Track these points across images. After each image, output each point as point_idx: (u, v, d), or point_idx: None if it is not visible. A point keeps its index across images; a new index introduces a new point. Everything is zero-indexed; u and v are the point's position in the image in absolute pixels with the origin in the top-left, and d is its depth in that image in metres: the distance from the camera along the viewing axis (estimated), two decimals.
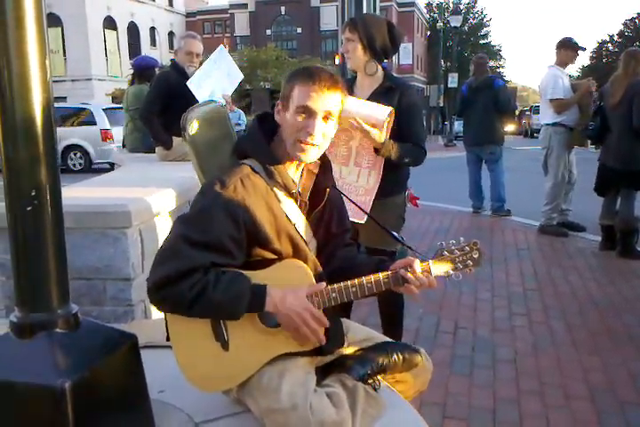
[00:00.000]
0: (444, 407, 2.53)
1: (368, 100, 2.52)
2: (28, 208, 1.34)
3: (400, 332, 2.83)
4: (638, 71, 4.83)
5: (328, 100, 1.54)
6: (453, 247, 1.62)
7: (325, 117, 1.55)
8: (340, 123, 2.26)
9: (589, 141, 5.63)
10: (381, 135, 2.43)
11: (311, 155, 1.58)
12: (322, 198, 1.66)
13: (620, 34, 48.85)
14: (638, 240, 5.04)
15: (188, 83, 3.69)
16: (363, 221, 2.43)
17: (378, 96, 2.53)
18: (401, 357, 1.72)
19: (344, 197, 1.87)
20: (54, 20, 33.92)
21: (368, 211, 2.44)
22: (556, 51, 5.70)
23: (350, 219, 2.33)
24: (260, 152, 1.60)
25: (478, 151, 6.83)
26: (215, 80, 3.94)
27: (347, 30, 2.54)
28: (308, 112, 1.54)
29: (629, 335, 3.32)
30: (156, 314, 2.61)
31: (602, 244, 5.23)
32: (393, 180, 2.65)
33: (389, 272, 1.58)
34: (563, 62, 5.69)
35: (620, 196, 5.04)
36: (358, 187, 2.55)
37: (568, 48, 5.66)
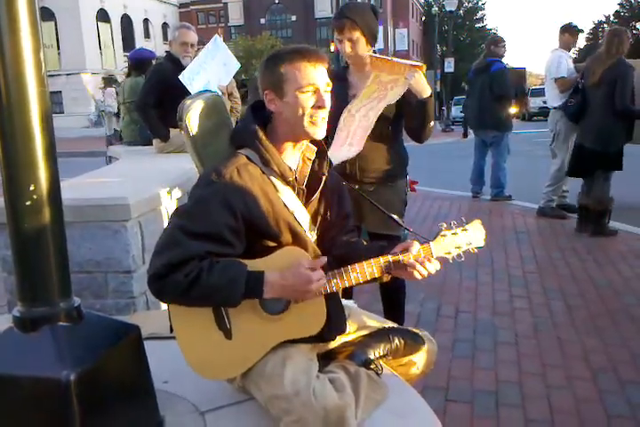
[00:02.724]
0: (447, 391, 2.56)
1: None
2: (28, 203, 1.35)
3: (402, 317, 2.85)
4: (620, 50, 4.83)
5: (324, 73, 1.56)
6: (454, 227, 1.63)
7: (325, 90, 1.57)
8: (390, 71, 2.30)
9: None
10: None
11: (324, 129, 1.59)
12: (319, 185, 1.67)
13: (616, 14, 48.44)
14: (609, 219, 5.10)
15: (180, 77, 3.67)
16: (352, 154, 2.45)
17: None
18: (402, 341, 1.74)
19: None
20: (47, 14, 33.67)
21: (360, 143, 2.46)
22: (559, 35, 5.83)
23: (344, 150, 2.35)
24: (256, 141, 1.60)
25: (482, 135, 6.82)
26: (210, 71, 3.92)
27: (346, 30, 2.44)
28: (313, 88, 1.55)
29: (629, 315, 3.34)
30: (159, 306, 2.63)
31: (579, 224, 5.25)
32: (399, 163, 2.67)
33: (390, 255, 1.59)
34: (566, 45, 5.82)
35: (595, 176, 5.04)
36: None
37: (567, 31, 5.80)
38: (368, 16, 2.48)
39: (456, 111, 27.49)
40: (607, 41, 4.91)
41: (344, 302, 1.96)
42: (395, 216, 1.89)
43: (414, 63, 2.42)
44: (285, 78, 1.55)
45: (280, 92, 1.56)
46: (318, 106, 1.55)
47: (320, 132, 1.59)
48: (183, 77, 3.65)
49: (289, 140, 1.61)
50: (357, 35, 2.45)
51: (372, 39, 2.49)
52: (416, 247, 1.57)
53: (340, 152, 2.49)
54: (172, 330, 1.58)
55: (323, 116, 1.57)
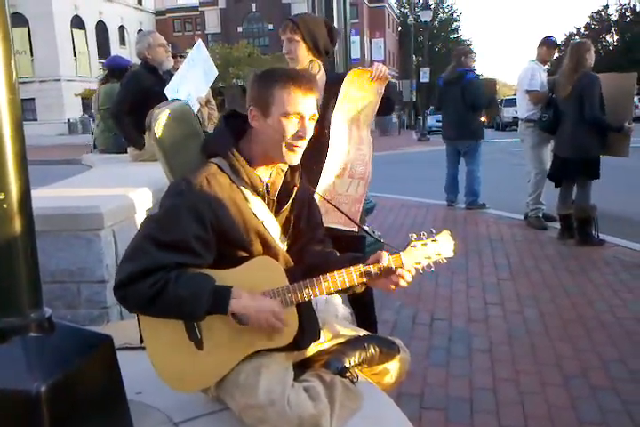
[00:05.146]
0: (422, 398, 2.57)
1: (326, 95, 2.58)
2: None
3: (374, 324, 2.85)
4: (584, 63, 4.96)
5: (312, 104, 1.57)
6: (425, 238, 1.65)
7: (310, 119, 1.58)
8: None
9: None
10: None
11: (299, 156, 1.61)
12: (289, 196, 1.68)
13: (587, 26, 49.59)
14: (597, 228, 5.13)
15: (165, 90, 3.66)
16: (356, 229, 2.46)
17: (333, 90, 2.55)
18: (377, 349, 1.75)
19: (336, 209, 1.90)
20: (20, 20, 33.27)
21: (358, 219, 2.48)
22: (537, 48, 5.93)
23: (342, 228, 2.37)
24: (227, 151, 1.61)
25: (457, 145, 6.90)
26: (191, 81, 3.92)
27: (287, 31, 2.52)
28: (298, 117, 1.55)
29: (600, 322, 3.40)
30: (133, 316, 2.60)
31: (560, 233, 5.34)
32: None
33: (361, 265, 1.59)
34: (542, 58, 5.91)
35: (576, 185, 5.15)
36: (348, 196, 2.59)
37: (544, 45, 5.91)
38: (314, 25, 2.53)
39: (432, 120, 27.83)
40: (569, 56, 5.06)
41: (343, 309, 1.98)
42: (366, 227, 1.91)
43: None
44: (274, 100, 1.55)
45: (266, 112, 1.57)
46: (299, 135, 1.56)
47: (296, 159, 1.61)
48: (167, 92, 3.64)
49: (263, 158, 1.62)
50: (297, 38, 2.51)
51: (314, 47, 2.53)
52: (386, 258, 1.58)
53: (332, 184, 2.52)
54: (142, 341, 1.57)
55: (302, 145, 1.58)
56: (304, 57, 2.54)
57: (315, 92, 1.58)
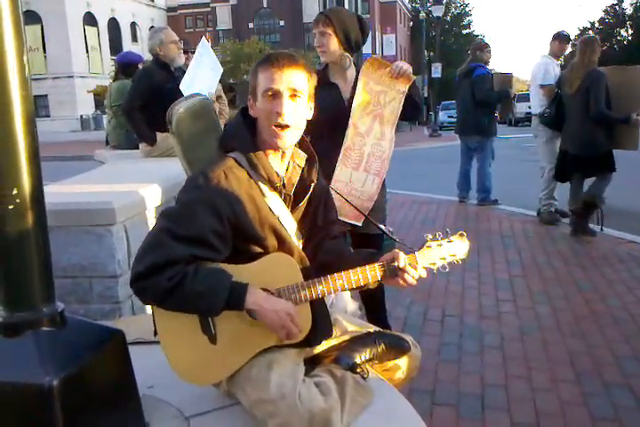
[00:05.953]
0: (434, 394, 2.56)
1: (354, 90, 2.57)
2: (10, 207, 1.33)
3: (385, 319, 2.85)
4: (593, 59, 4.93)
5: (290, 78, 1.54)
6: (440, 238, 1.64)
7: (292, 96, 1.55)
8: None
9: None
10: None
11: (287, 139, 1.57)
12: (306, 192, 1.67)
13: (601, 21, 49.09)
14: (602, 221, 5.12)
15: (180, 87, 3.69)
16: (360, 224, 2.47)
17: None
18: (388, 345, 1.75)
19: (347, 203, 1.90)
20: (33, 18, 33.49)
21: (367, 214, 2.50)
22: (550, 42, 5.91)
23: (347, 221, 2.39)
24: (244, 145, 1.61)
25: (466, 140, 6.87)
26: (202, 78, 3.94)
27: (320, 24, 2.52)
28: (274, 93, 1.54)
29: (613, 318, 3.37)
30: (144, 310, 2.62)
31: (573, 229, 5.30)
32: None
33: (376, 264, 1.59)
34: (554, 53, 5.88)
35: (595, 178, 5.11)
36: (363, 192, 2.61)
37: (557, 39, 5.87)
38: (346, 19, 2.53)
39: (443, 116, 27.71)
40: (580, 51, 5.03)
41: (352, 304, 1.98)
42: (382, 226, 1.91)
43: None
44: (256, 82, 1.57)
45: (255, 96, 1.58)
46: (276, 111, 1.53)
47: (282, 143, 1.56)
48: (183, 88, 3.67)
49: (270, 149, 1.61)
50: (329, 31, 2.50)
51: (345, 41, 2.52)
52: (402, 257, 1.57)
53: (350, 175, 2.55)
54: (156, 334, 1.58)
55: (283, 122, 1.53)
56: (336, 50, 2.54)
57: (295, 67, 1.54)
